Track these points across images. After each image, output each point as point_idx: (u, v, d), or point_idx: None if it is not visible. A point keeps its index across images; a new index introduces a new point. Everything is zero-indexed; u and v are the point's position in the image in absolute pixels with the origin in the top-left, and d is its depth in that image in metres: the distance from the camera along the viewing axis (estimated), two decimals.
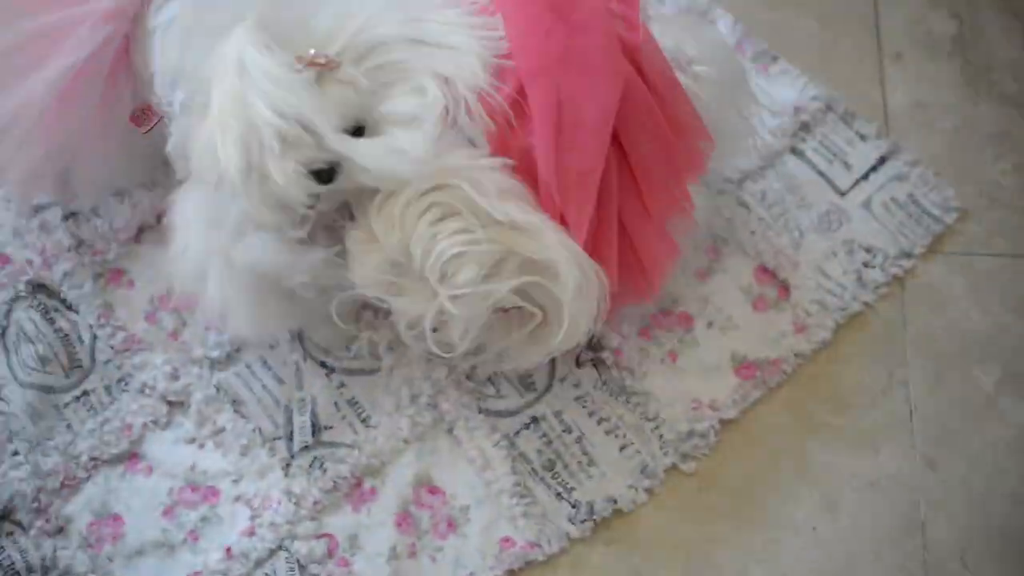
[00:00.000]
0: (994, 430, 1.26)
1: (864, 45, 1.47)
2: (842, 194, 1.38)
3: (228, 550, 1.17)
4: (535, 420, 1.25)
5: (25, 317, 1.27)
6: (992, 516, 1.22)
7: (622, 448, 1.24)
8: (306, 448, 1.22)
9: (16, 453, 1.20)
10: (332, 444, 1.22)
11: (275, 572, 1.17)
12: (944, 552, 1.20)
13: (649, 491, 1.22)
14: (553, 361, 1.26)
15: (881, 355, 1.29)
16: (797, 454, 1.24)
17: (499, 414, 1.25)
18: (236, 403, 1.24)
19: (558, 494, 1.21)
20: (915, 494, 1.22)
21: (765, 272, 1.33)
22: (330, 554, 1.18)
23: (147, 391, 1.23)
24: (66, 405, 1.23)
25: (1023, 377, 1.28)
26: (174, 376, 1.24)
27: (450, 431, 1.23)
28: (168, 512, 1.19)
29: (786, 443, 1.24)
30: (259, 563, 1.17)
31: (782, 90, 1.43)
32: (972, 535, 1.21)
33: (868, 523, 1.21)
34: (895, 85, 1.44)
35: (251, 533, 1.18)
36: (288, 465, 1.21)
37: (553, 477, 1.22)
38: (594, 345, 1.27)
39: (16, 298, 1.28)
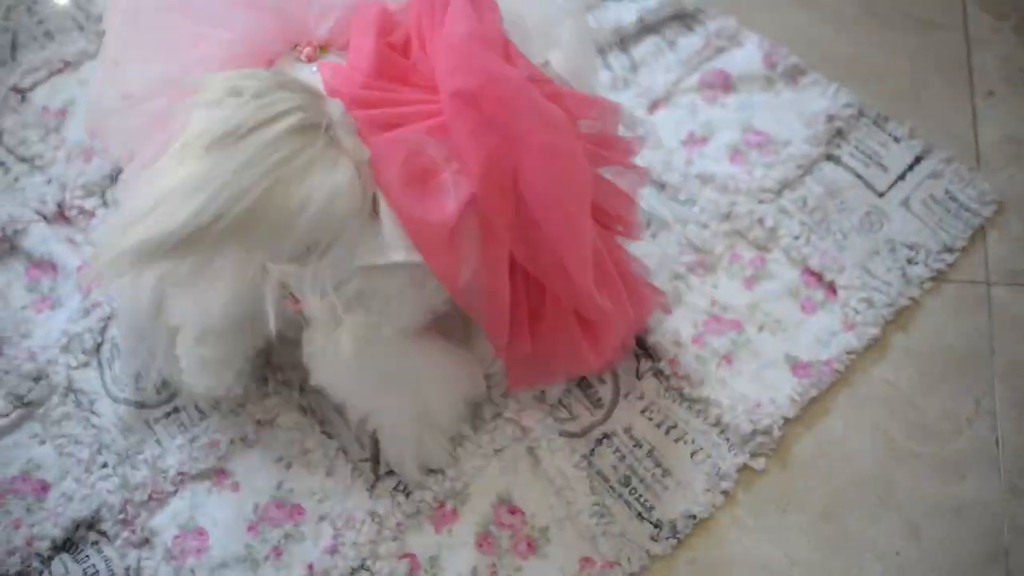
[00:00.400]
0: None
1: (956, 84, 1.48)
2: (881, 195, 1.40)
3: (310, 567, 1.18)
4: (607, 436, 1.25)
5: (119, 334, 1.29)
6: None
7: (693, 454, 1.24)
8: (391, 471, 1.22)
9: (105, 465, 1.22)
10: None
11: None
12: None
13: (725, 493, 1.22)
14: (616, 377, 1.28)
15: (968, 384, 1.28)
16: (881, 479, 1.23)
17: (574, 435, 1.25)
18: (323, 424, 1.25)
19: (639, 514, 1.21)
20: (999, 521, 1.21)
21: (811, 275, 1.35)
22: (411, 574, 1.18)
23: (236, 410, 1.25)
24: (156, 421, 1.25)
25: None
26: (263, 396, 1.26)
27: (531, 451, 1.23)
28: (253, 528, 1.20)
29: (870, 468, 1.24)
30: None
31: (814, 100, 1.46)
32: None
33: (951, 550, 1.20)
34: (986, 121, 1.45)
35: (334, 551, 1.18)
36: (373, 487, 1.22)
37: (631, 493, 1.22)
38: (651, 355, 1.29)
39: (111, 316, 1.30)
